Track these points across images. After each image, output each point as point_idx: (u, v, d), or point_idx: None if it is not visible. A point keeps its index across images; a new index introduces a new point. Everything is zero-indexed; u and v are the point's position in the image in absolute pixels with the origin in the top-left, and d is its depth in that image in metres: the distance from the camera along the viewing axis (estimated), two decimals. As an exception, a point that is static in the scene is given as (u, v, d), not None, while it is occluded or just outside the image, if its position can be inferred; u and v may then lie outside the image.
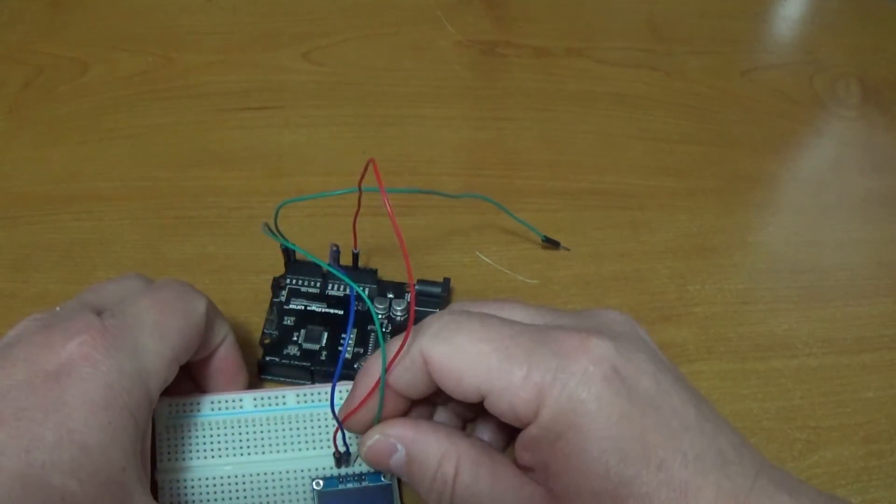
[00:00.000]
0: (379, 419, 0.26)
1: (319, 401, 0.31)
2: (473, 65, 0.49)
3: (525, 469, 0.25)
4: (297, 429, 0.30)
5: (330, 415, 0.29)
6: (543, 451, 0.24)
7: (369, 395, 0.26)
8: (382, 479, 0.30)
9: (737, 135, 0.46)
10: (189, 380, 0.31)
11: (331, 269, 0.28)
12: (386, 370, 0.25)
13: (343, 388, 0.30)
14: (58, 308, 0.27)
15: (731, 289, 0.39)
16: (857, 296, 0.39)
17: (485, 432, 0.28)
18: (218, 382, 0.31)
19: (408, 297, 0.36)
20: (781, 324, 0.38)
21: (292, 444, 0.30)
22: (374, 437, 0.26)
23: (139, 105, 0.45)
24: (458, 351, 0.24)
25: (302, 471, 0.30)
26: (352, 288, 0.30)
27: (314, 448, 0.30)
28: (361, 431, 0.27)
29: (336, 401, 0.27)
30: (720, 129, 0.46)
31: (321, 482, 0.30)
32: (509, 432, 0.28)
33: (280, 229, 0.34)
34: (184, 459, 0.30)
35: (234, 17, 0.51)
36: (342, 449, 0.29)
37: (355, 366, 0.33)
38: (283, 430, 0.30)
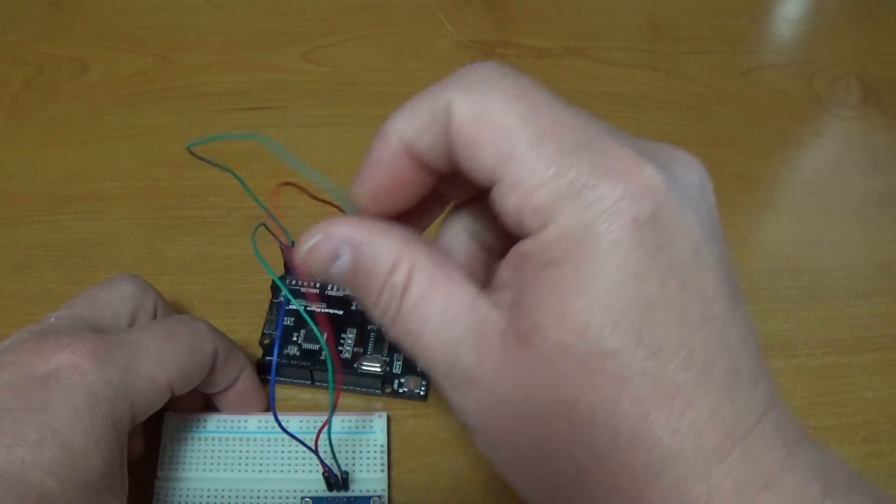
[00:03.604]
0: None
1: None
2: (473, 65, 0.49)
3: (496, 289, 0.20)
4: (295, 452, 0.31)
5: (326, 440, 0.29)
6: (528, 274, 0.19)
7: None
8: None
9: (737, 135, 0.46)
10: (206, 401, 0.32)
11: (273, 276, 0.28)
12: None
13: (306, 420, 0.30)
14: (52, 319, 0.28)
15: (731, 289, 0.39)
16: (856, 296, 0.39)
17: (483, 232, 0.23)
18: (235, 412, 0.32)
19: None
20: (781, 324, 0.38)
21: (288, 465, 0.31)
22: (315, 238, 0.21)
23: (139, 105, 0.45)
24: (485, 114, 0.19)
25: (294, 490, 0.31)
26: (287, 298, 0.33)
27: (309, 472, 0.31)
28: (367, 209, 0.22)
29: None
30: (720, 129, 0.46)
31: (310, 500, 0.30)
32: (505, 241, 0.22)
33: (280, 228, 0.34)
34: (183, 470, 0.31)
35: (234, 17, 0.51)
36: (337, 474, 0.30)
37: (354, 365, 0.34)
38: (282, 451, 0.31)
